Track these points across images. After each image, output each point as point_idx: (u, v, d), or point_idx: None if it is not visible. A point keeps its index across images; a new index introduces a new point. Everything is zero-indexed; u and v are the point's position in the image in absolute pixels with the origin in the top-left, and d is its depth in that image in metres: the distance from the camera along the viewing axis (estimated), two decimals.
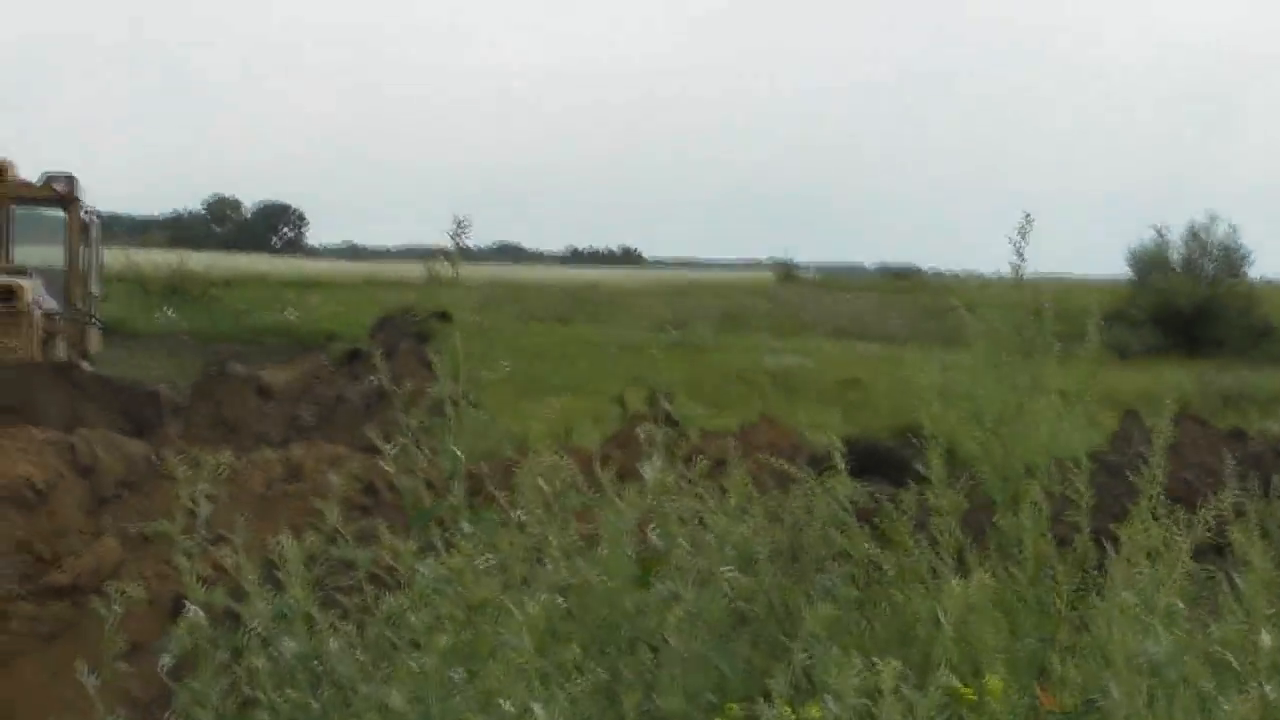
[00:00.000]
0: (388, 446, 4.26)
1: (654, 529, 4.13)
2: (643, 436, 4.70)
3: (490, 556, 3.45)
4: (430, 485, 4.20)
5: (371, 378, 20.98)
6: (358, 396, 20.54)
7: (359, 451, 8.87)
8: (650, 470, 4.24)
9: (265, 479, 7.23)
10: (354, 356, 25.70)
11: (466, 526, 3.66)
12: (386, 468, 7.35)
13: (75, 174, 17.89)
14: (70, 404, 12.79)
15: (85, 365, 17.19)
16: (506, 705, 2.88)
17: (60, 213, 18.15)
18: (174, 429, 13.67)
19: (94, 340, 18.95)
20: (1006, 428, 4.49)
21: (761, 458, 4.92)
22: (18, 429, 8.05)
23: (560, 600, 3.45)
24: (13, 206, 18.25)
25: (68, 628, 6.18)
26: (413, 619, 3.27)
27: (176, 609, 6.01)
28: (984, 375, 4.62)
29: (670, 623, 3.51)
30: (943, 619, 3.44)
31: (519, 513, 3.74)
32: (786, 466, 4.65)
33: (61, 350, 16.73)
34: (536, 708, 2.81)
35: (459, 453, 3.83)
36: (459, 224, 4.50)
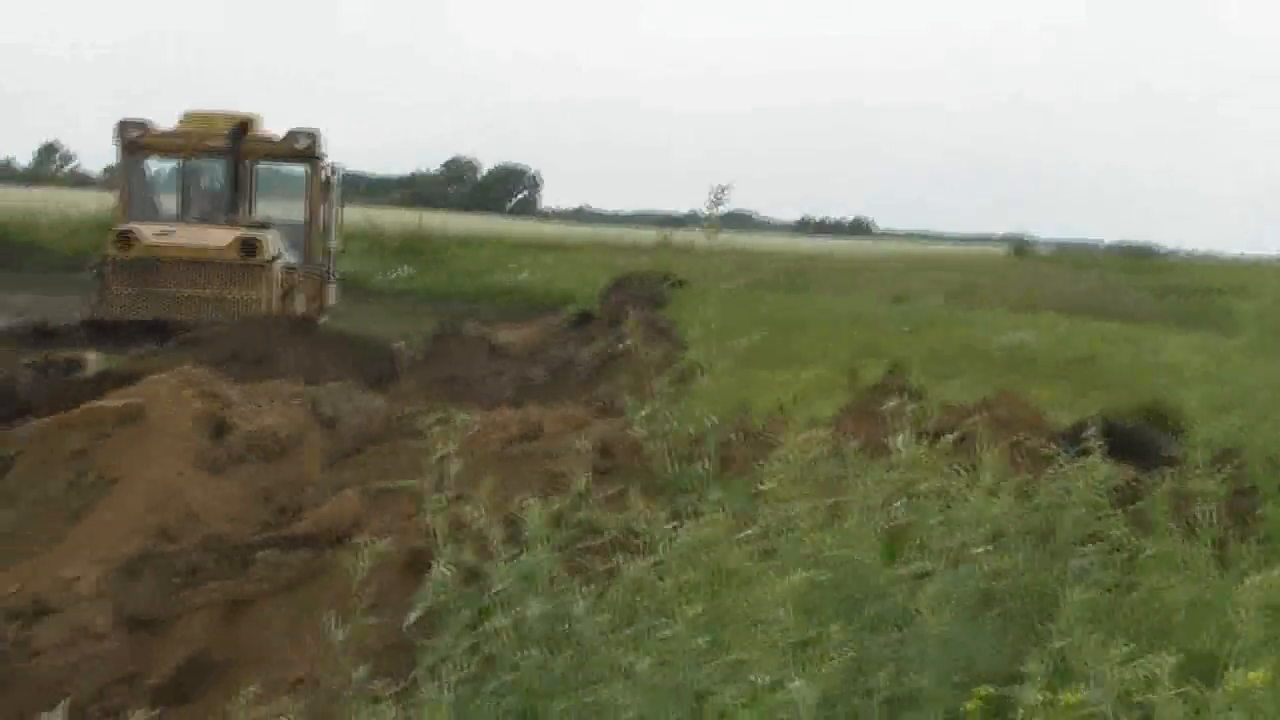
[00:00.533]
0: (636, 410, 4.18)
1: (900, 504, 4.03)
2: (888, 409, 4.60)
3: (742, 527, 3.37)
4: (674, 451, 4.15)
5: (606, 340, 21.10)
6: (588, 359, 20.69)
7: (592, 413, 8.89)
8: (899, 444, 4.13)
9: (503, 438, 7.25)
10: (585, 319, 25.99)
11: (715, 494, 3.59)
12: (632, 431, 7.37)
13: (318, 131, 18.32)
14: (310, 357, 13.03)
15: (323, 319, 17.52)
16: (759, 678, 2.82)
17: (302, 168, 18.70)
18: (409, 385, 13.79)
19: (331, 294, 19.48)
20: (1277, 413, 4.30)
21: (1015, 436, 4.77)
22: (266, 383, 8.23)
23: (811, 574, 3.35)
24: (256, 161, 18.70)
25: (308, 577, 6.26)
26: (661, 585, 3.22)
27: (413, 564, 6.08)
28: (1252, 359, 4.44)
29: (922, 600, 3.40)
30: (1243, 614, 3.26)
31: (769, 482, 3.65)
32: (1042, 446, 4.51)
33: (300, 304, 17.18)
34: (797, 683, 2.73)
35: (713, 419, 3.76)
36: (718, 191, 4.37)
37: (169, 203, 19.17)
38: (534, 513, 3.57)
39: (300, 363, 12.77)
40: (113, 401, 7.25)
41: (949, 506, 4.03)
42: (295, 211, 19.08)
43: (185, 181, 19.00)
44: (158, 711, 5.39)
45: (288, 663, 5.89)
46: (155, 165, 19.48)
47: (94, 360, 11.75)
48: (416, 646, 3.52)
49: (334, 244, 19.49)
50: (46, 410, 10.10)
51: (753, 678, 2.83)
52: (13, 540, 6.85)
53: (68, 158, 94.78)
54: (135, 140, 17.99)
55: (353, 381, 12.59)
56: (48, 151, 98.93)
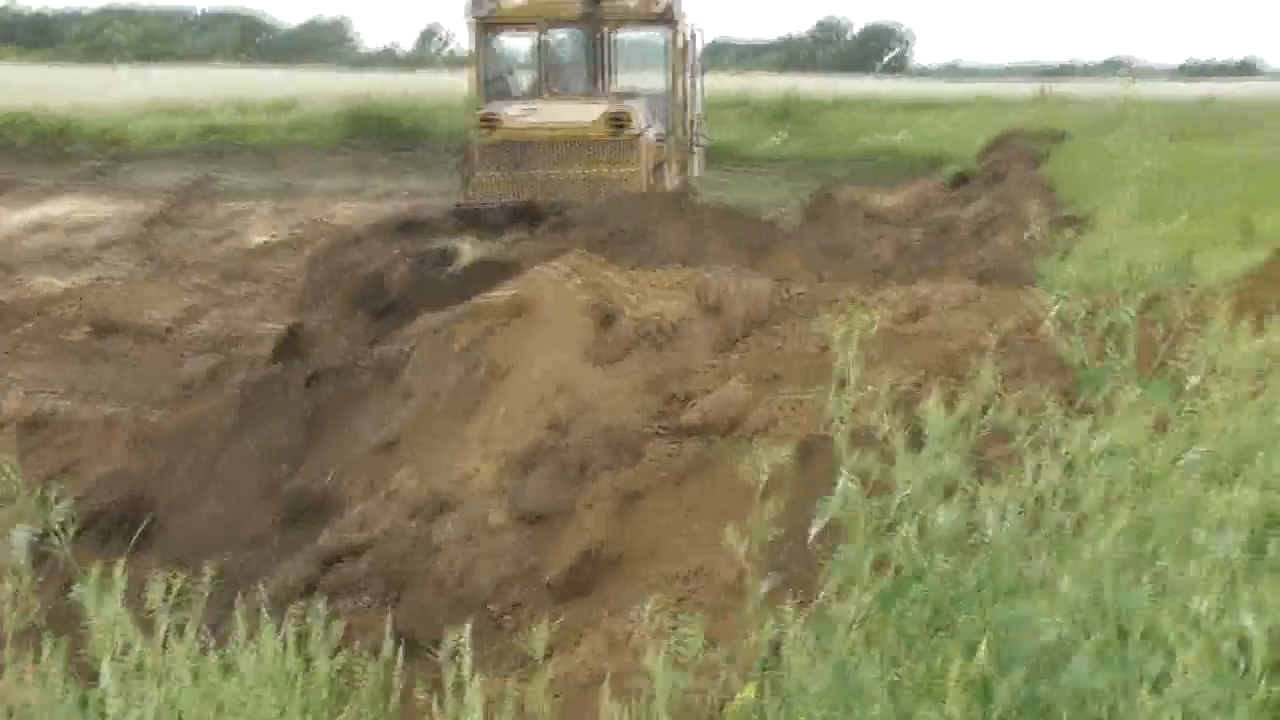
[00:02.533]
0: (1043, 293, 3.88)
1: None
2: None
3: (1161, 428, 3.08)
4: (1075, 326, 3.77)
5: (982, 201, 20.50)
6: (968, 220, 20.19)
7: (982, 286, 8.56)
8: None
9: (892, 316, 7.03)
10: (963, 180, 25.38)
11: (1134, 393, 3.27)
12: (1023, 298, 7.07)
13: None
14: (686, 233, 12.78)
15: (693, 191, 17.20)
16: (1199, 604, 2.56)
17: (660, 33, 17.96)
18: (787, 255, 13.43)
19: (697, 166, 18.98)
20: None
21: None
22: (650, 270, 8.17)
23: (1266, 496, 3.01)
24: (614, 29, 18.03)
25: (699, 468, 6.19)
26: (1076, 491, 2.98)
27: (806, 451, 5.95)
28: None
29: None
30: None
31: (1196, 379, 3.32)
32: None
33: (669, 178, 16.74)
34: (1248, 620, 2.46)
35: (1129, 312, 3.42)
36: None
37: (525, 80, 18.72)
38: (936, 415, 3.35)
39: (677, 239, 12.54)
40: (501, 294, 7.30)
41: None
42: (654, 81, 18.38)
43: (541, 56, 18.29)
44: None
45: (681, 556, 5.85)
46: (508, 41, 19.00)
47: (468, 249, 11.69)
48: (818, 560, 3.35)
49: (698, 112, 18.81)
50: (428, 305, 10.28)
51: (1193, 603, 2.58)
52: (411, 435, 6.99)
53: (445, 40, 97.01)
54: (487, 16, 17.61)
55: (731, 254, 12.47)
56: (427, 35, 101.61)
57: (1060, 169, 23.39)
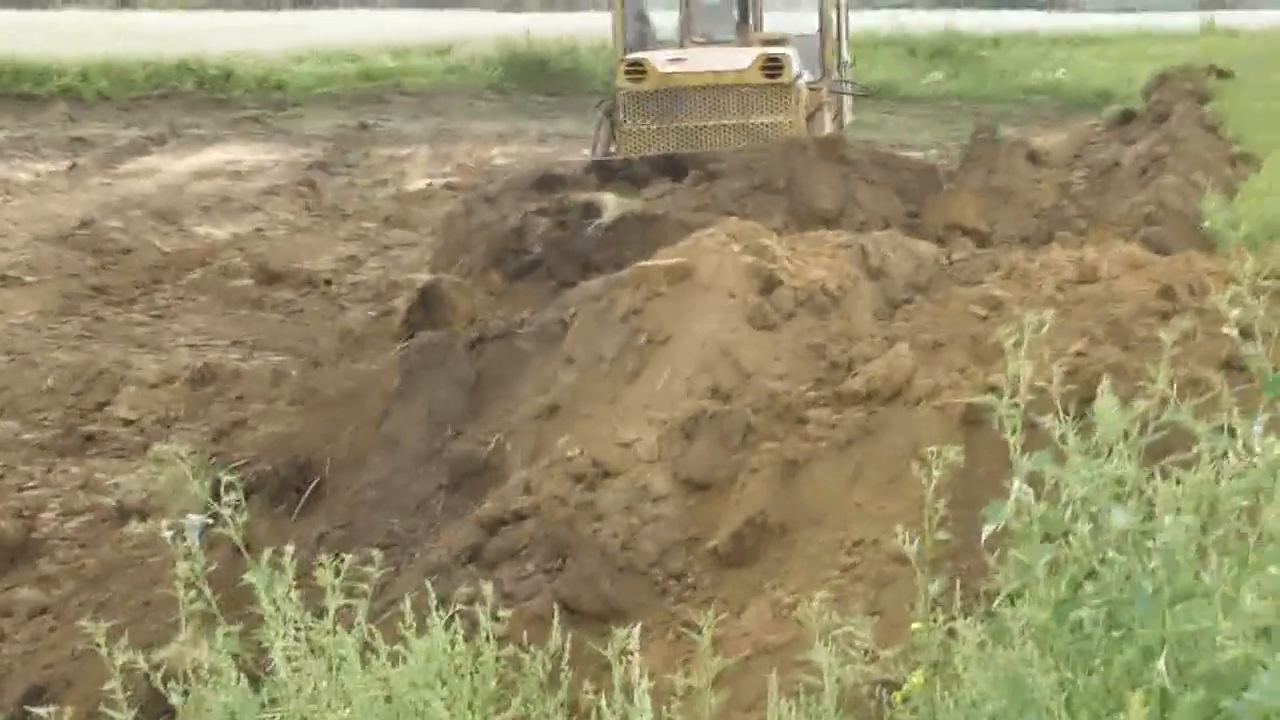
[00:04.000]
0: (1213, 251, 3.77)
1: None
2: None
3: None
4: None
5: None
6: (1131, 162, 19.77)
7: (1150, 249, 8.39)
8: None
9: (1056, 281, 6.92)
10: (1128, 119, 24.83)
11: None
12: (1194, 261, 6.91)
13: None
14: (841, 183, 12.42)
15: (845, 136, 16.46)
16: None
17: None
18: (947, 202, 13.11)
19: (848, 111, 18.13)
20: None
21: None
22: (811, 233, 8.12)
23: None
24: None
25: (861, 436, 6.16)
26: (1264, 506, 2.91)
27: (970, 420, 5.89)
28: None
29: None
30: None
31: None
32: None
33: (825, 123, 15.86)
34: None
35: None
36: None
37: (666, 23, 18.11)
38: (1109, 414, 3.28)
39: (831, 189, 12.22)
40: (661, 261, 7.30)
41: None
42: (800, 24, 17.51)
43: None
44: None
45: (845, 525, 5.83)
46: None
47: (611, 203, 11.32)
48: (991, 564, 3.30)
49: (846, 55, 17.83)
50: (570, 265, 10.14)
51: None
52: (573, 402, 7.03)
53: None
54: None
55: (890, 204, 12.27)
56: None
57: (1228, 106, 22.81)
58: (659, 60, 14.67)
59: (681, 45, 16.77)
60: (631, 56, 15.03)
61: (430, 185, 23.08)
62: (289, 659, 3.82)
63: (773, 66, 14.28)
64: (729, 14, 17.17)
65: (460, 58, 40.44)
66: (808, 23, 17.54)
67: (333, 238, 19.03)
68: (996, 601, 3.17)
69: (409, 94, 36.75)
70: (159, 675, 3.80)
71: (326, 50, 40.53)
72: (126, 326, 13.86)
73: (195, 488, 4.27)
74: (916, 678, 3.68)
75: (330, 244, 18.54)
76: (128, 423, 10.59)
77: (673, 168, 12.91)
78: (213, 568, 3.93)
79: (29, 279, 15.63)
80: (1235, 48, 34.75)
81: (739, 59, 14.62)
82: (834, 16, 16.74)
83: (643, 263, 7.39)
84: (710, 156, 12.81)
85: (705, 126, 14.15)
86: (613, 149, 14.76)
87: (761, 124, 14.10)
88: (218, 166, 25.43)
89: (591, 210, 11.18)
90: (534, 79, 37.94)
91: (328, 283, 16.00)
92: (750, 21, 16.45)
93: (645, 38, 17.20)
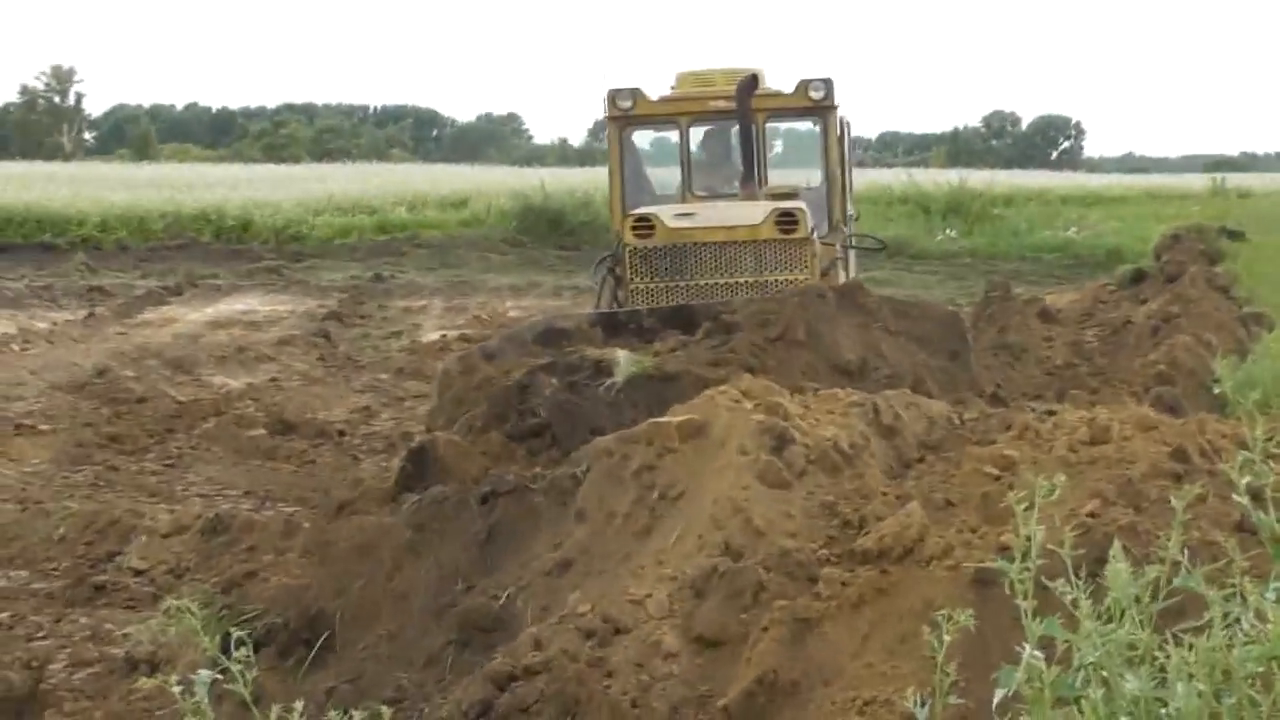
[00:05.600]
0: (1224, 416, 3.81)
1: None
2: None
3: None
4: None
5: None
6: (1144, 320, 19.86)
7: (1162, 408, 8.44)
8: None
9: (1068, 441, 6.94)
10: (1139, 278, 24.97)
11: None
12: (1202, 426, 6.95)
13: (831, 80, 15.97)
14: (862, 333, 11.95)
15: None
16: None
17: (813, 124, 16.66)
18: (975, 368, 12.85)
19: (853, 266, 17.35)
20: None
21: None
22: (825, 391, 8.16)
23: None
24: (766, 120, 16.48)
25: (874, 594, 6.15)
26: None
27: (981, 581, 5.88)
28: None
29: None
30: None
31: None
32: None
33: (839, 279, 15.06)
34: None
35: None
36: None
37: (667, 177, 17.49)
38: (1120, 578, 3.30)
39: (852, 340, 11.83)
40: (673, 418, 7.33)
41: None
42: (803, 177, 17.23)
43: (687, 151, 16.94)
44: None
45: (857, 684, 5.81)
46: (646, 135, 17.73)
47: (624, 361, 10.78)
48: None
49: (850, 209, 17.16)
50: (580, 428, 9.81)
51: None
52: (585, 558, 7.04)
53: None
54: (627, 110, 16.25)
55: (913, 355, 12.05)
56: (598, 129, 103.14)
57: (1240, 266, 23.00)
58: (667, 215, 14.24)
59: (684, 200, 16.34)
60: (638, 211, 14.60)
61: (444, 337, 23.26)
62: None
63: (787, 221, 13.85)
64: (733, 169, 16.76)
65: (476, 210, 40.93)
66: (803, 178, 17.34)
67: (347, 389, 19.14)
68: None
69: (424, 246, 37.13)
70: None
71: (344, 202, 41.04)
72: (139, 476, 13.90)
73: (205, 642, 4.28)
74: None
75: (344, 395, 18.65)
76: (138, 573, 10.56)
77: (683, 320, 12.47)
78: None
79: (44, 427, 15.71)
80: (1246, 208, 35.08)
81: (752, 214, 14.17)
82: (839, 171, 16.39)
83: (656, 419, 7.43)
84: (723, 307, 12.29)
85: (717, 284, 13.74)
86: (615, 306, 14.29)
87: (776, 281, 13.63)
88: (234, 317, 25.67)
89: (602, 369, 10.75)
90: (549, 232, 38.35)
91: (341, 434, 16.06)
92: (755, 176, 15.74)
93: (644, 193, 16.83)
